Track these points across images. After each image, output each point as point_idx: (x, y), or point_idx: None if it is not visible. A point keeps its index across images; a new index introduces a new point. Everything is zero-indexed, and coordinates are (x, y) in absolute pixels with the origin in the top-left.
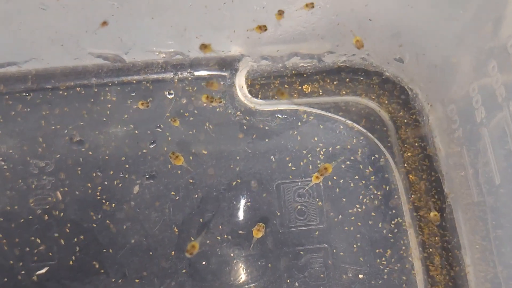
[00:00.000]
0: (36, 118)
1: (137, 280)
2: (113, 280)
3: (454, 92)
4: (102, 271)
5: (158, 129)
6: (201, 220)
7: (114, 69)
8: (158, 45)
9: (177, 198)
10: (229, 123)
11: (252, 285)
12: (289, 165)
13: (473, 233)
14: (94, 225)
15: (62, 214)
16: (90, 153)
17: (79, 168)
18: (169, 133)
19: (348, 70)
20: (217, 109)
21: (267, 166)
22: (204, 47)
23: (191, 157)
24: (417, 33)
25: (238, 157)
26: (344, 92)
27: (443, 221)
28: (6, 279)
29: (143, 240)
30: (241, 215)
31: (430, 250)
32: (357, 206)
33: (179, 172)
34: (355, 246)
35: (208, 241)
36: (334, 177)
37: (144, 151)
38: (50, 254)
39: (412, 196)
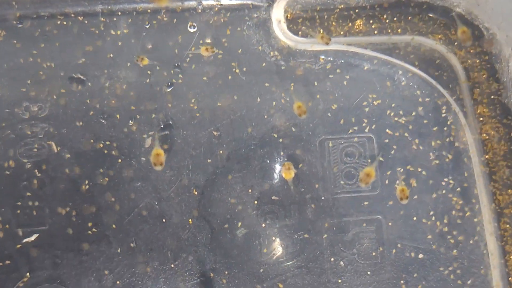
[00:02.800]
0: (28, 52)
1: (146, 253)
2: (116, 251)
3: None
4: (104, 240)
5: (177, 69)
6: (226, 181)
7: None
8: None
9: (198, 154)
10: (263, 65)
11: (287, 263)
12: (336, 117)
13: None
14: (95, 184)
15: (56, 169)
16: (93, 96)
17: (79, 114)
18: (189, 74)
19: (410, 4)
20: (249, 48)
21: (308, 118)
22: None
23: (213, 107)
24: None
25: (273, 106)
26: (404, 31)
27: None
28: None
29: (155, 204)
30: (275, 176)
31: (508, 225)
32: (419, 169)
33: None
34: (415, 218)
35: (234, 208)
36: (390, 132)
37: (159, 95)
38: (41, 217)
39: (486, 158)
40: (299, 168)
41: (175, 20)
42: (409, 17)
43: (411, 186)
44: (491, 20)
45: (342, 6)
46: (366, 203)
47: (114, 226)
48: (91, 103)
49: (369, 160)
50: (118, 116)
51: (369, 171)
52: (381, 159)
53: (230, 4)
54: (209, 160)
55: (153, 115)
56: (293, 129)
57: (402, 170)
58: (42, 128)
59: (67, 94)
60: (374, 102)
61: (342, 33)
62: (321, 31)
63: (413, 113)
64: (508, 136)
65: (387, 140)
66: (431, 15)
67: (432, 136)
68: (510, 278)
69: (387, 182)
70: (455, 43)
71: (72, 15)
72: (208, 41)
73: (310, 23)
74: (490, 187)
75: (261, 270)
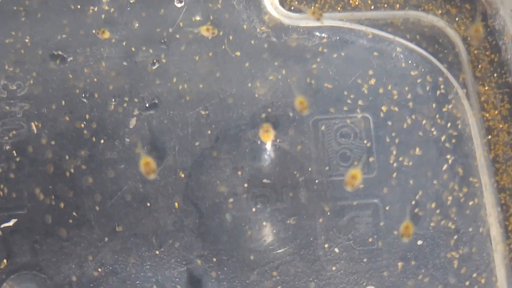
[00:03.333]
0: (6, 27)
1: (129, 239)
2: (98, 237)
3: None
4: (85, 225)
5: (163, 46)
6: (214, 163)
7: None
8: None
9: (185, 134)
10: (254, 41)
11: (279, 250)
12: (330, 96)
13: None
14: (77, 166)
15: (35, 150)
16: (75, 74)
17: (60, 93)
18: (176, 52)
19: None
20: (239, 24)
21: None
22: None
23: (201, 86)
24: None
25: (264, 85)
26: (402, 6)
27: None
28: None
29: (139, 187)
30: (266, 158)
31: None
32: (417, 150)
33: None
34: (413, 202)
35: (223, 191)
36: (387, 111)
37: (144, 73)
38: (19, 201)
39: (488, 138)
40: (294, 150)
41: None
42: None
43: (409, 168)
44: None
45: None
46: (362, 186)
47: (96, 210)
48: (73, 82)
49: (366, 141)
50: (101, 95)
51: (355, 173)
52: (366, 142)
53: None
54: (196, 142)
55: (139, 94)
56: (285, 109)
57: (408, 206)
58: (21, 107)
59: (48, 72)
60: (370, 81)
61: (337, 8)
62: (315, 6)
63: (412, 92)
64: (511, 117)
65: (386, 121)
66: None
67: (431, 116)
68: None
69: (384, 164)
70: (456, 19)
71: None
72: (198, 18)
73: None
74: (493, 169)
75: (252, 257)
